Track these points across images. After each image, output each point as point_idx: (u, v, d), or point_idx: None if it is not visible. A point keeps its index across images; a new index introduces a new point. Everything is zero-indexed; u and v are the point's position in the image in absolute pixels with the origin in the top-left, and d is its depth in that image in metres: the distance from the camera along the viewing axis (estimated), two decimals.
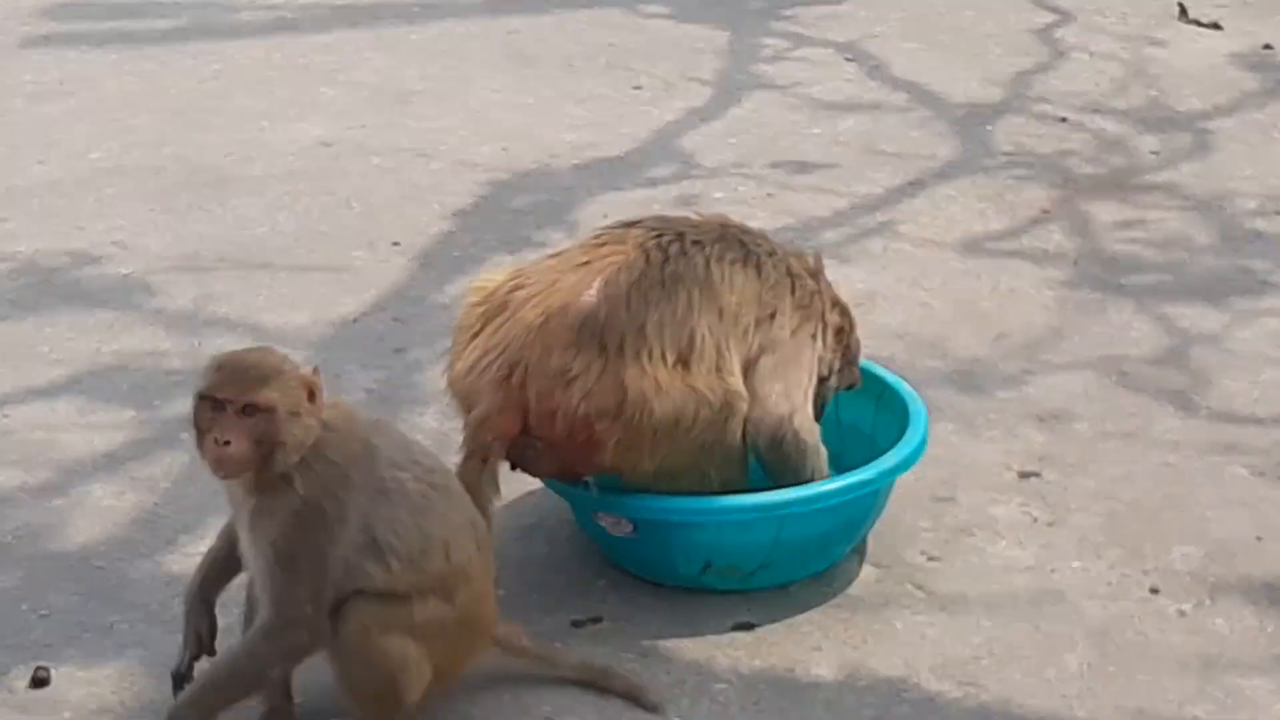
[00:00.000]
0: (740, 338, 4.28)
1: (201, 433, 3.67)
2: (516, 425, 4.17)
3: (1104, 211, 6.37)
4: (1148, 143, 6.98)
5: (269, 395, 3.63)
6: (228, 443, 3.62)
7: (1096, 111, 7.27)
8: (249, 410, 3.62)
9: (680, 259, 4.26)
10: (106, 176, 6.84)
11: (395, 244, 6.25)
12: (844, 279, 5.79)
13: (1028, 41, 8.06)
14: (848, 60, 7.90)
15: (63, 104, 7.59)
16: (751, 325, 4.30)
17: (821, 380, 4.48)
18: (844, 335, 4.53)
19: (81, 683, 4.09)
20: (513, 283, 4.28)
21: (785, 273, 4.39)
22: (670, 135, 7.15)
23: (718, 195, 6.54)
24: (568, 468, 4.26)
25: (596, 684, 4.05)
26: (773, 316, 4.34)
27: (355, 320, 5.75)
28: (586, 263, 4.24)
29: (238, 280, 5.98)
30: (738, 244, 4.35)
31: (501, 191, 6.67)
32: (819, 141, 7.07)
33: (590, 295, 4.17)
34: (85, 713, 4.00)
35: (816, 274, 4.49)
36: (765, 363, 4.31)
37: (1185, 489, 4.76)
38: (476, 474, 4.15)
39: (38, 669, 4.09)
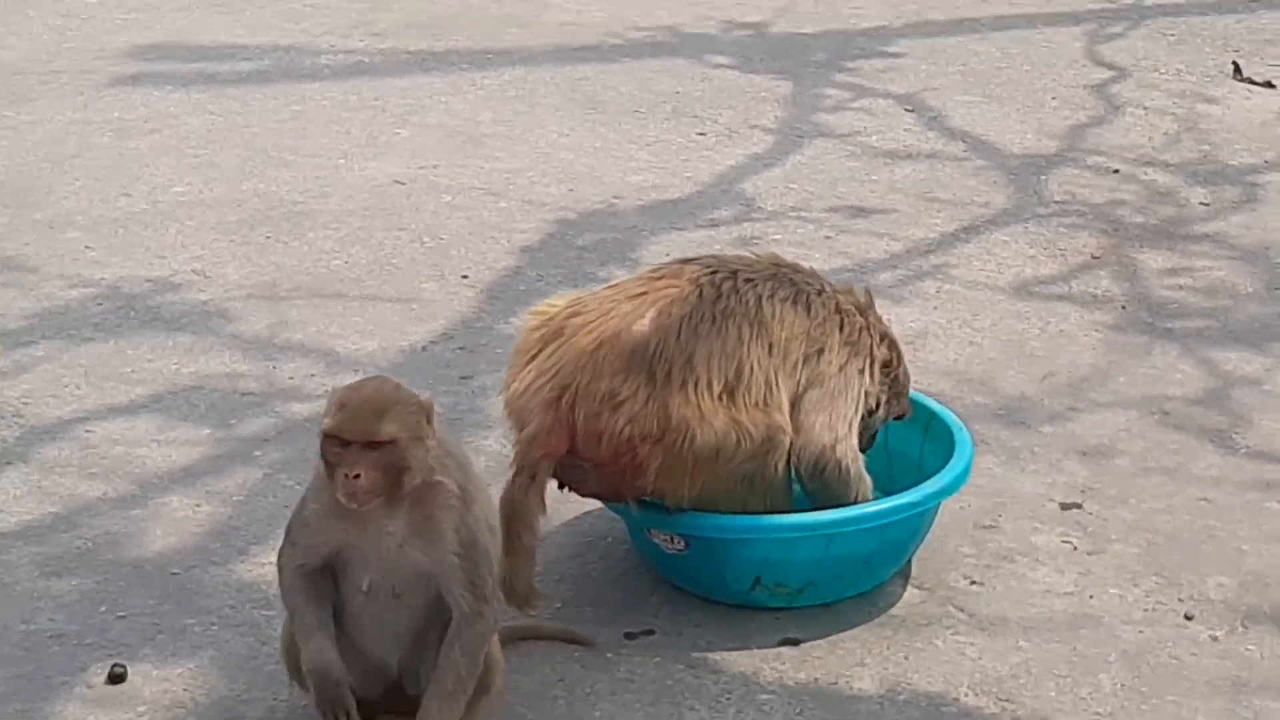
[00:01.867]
0: (789, 372, 4.45)
1: (331, 467, 3.79)
2: (564, 445, 4.35)
3: (1152, 259, 6.54)
4: (1197, 194, 7.14)
5: (390, 429, 3.75)
6: (357, 476, 3.75)
7: (1149, 164, 7.43)
8: (373, 445, 3.76)
9: (732, 295, 4.44)
10: (188, 209, 7.09)
11: (464, 277, 6.47)
12: (897, 318, 6.00)
13: (1083, 96, 8.24)
14: (907, 111, 8.10)
15: (148, 140, 7.86)
16: (800, 360, 4.48)
17: (870, 412, 4.65)
18: (891, 368, 4.70)
19: (156, 680, 4.29)
20: (570, 309, 4.47)
21: (834, 310, 4.57)
22: (732, 179, 7.35)
23: (776, 236, 6.73)
24: (612, 489, 4.44)
25: (533, 637, 4.32)
26: (820, 352, 4.51)
27: (424, 348, 5.96)
28: (642, 294, 4.43)
29: (311, 309, 6.21)
30: (789, 282, 4.53)
31: (567, 229, 6.89)
32: (876, 187, 7.27)
33: (643, 324, 4.36)
34: (159, 708, 4.20)
35: (865, 310, 4.66)
36: (811, 396, 4.48)
37: (1222, 523, 4.91)
38: (524, 490, 4.34)
39: (115, 665, 4.30)
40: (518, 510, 4.34)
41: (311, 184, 7.33)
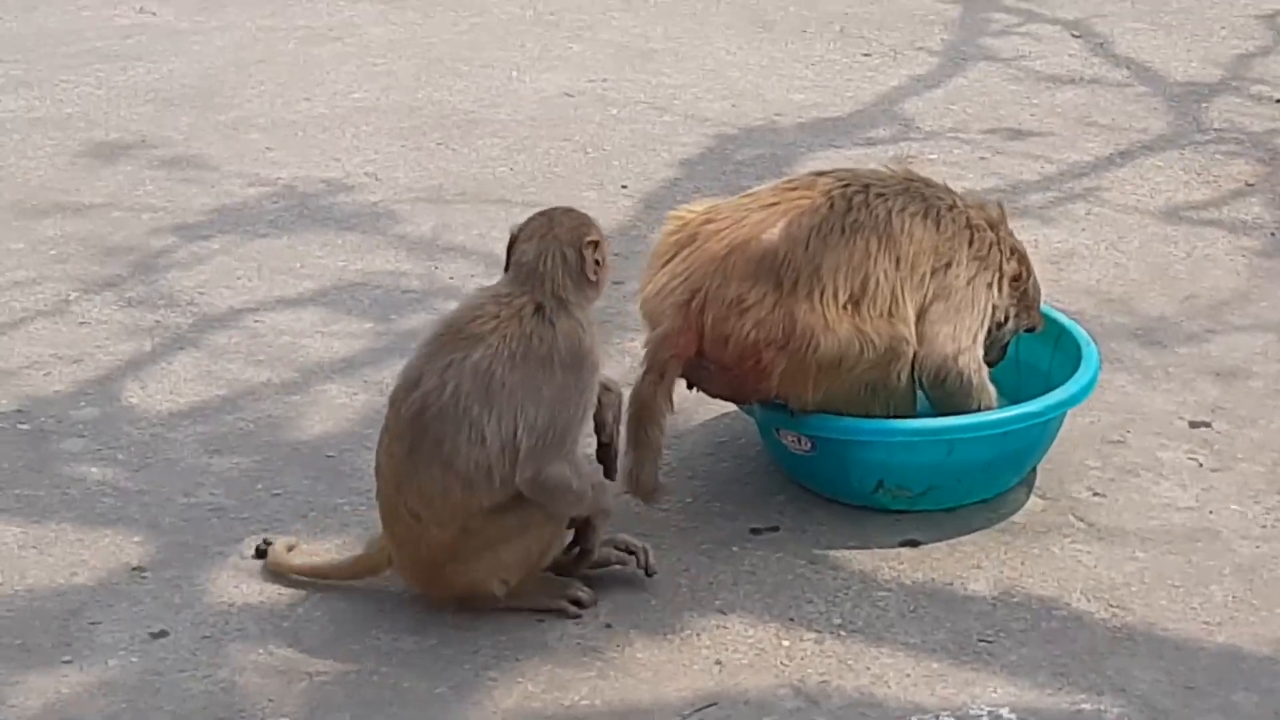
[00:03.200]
0: (915, 285, 4.56)
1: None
2: (692, 347, 4.50)
3: None
4: None
5: None
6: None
7: None
8: None
9: (863, 208, 4.55)
10: (365, 115, 7.35)
11: (623, 187, 6.66)
12: (1044, 239, 6.11)
13: (1253, 26, 8.21)
14: (1074, 36, 8.13)
15: (331, 48, 8.15)
16: (927, 274, 4.58)
17: (998, 325, 4.75)
18: (1020, 282, 4.79)
19: (303, 555, 4.54)
20: (705, 216, 4.62)
21: (964, 225, 4.66)
22: (893, 99, 7.46)
23: (932, 156, 6.84)
24: (737, 391, 4.60)
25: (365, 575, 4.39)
26: (948, 266, 4.61)
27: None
28: (774, 204, 4.57)
29: (475, 213, 6.43)
30: (919, 197, 4.63)
31: (727, 144, 7.04)
32: (1036, 111, 7.33)
33: (773, 233, 4.50)
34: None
35: (996, 225, 4.75)
36: (937, 308, 4.59)
37: None
38: (653, 388, 4.51)
39: (262, 541, 4.55)
40: (646, 407, 4.51)
41: (484, 94, 7.55)
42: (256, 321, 5.72)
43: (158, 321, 5.73)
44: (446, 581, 4.24)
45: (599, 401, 4.32)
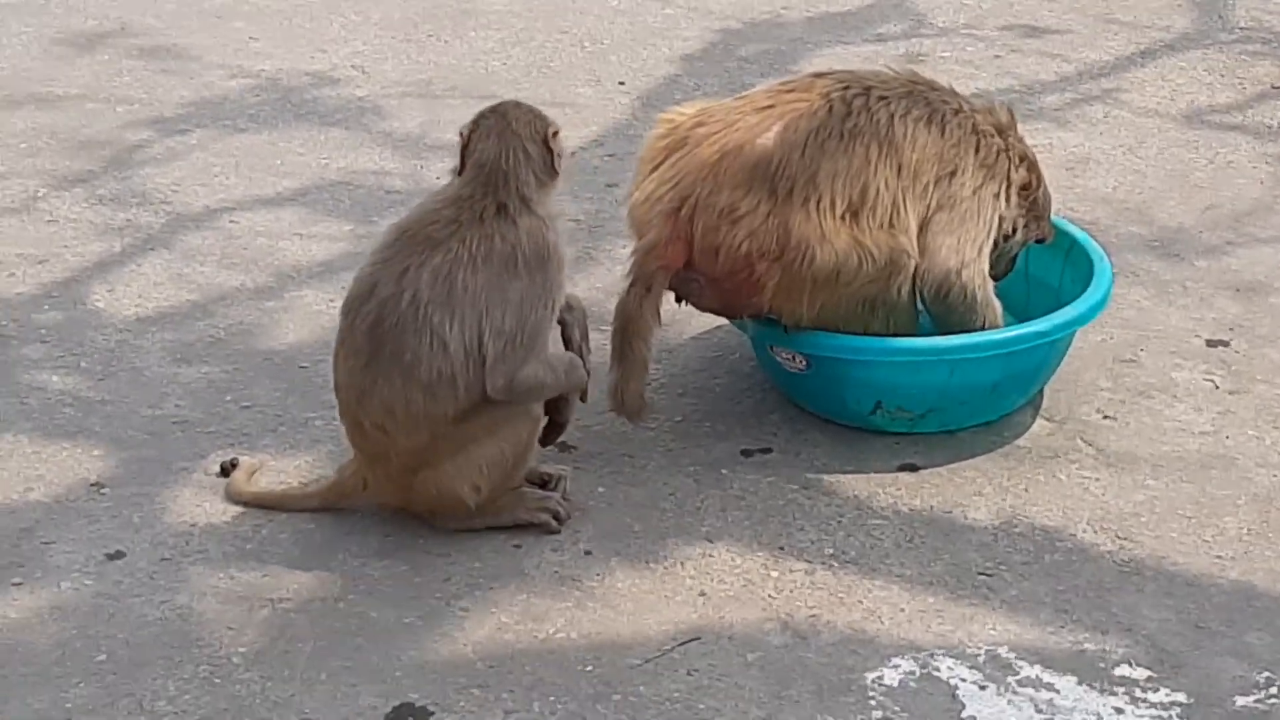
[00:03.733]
0: (918, 195, 4.32)
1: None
2: (681, 258, 4.28)
3: None
4: None
5: None
6: None
7: None
8: None
9: (863, 113, 4.30)
10: (353, 4, 7.09)
11: (621, 83, 6.40)
12: (1059, 143, 5.86)
13: None
14: None
15: None
16: (931, 182, 4.34)
17: (1006, 237, 4.52)
18: (1030, 191, 4.55)
19: (271, 471, 4.33)
20: (696, 119, 4.37)
21: (970, 130, 4.41)
22: None
23: (944, 54, 6.56)
24: (729, 305, 4.37)
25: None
26: (953, 174, 4.37)
27: (572, 153, 5.83)
28: (770, 106, 4.32)
29: (465, 108, 6.07)
30: (923, 101, 4.38)
31: (731, 39, 6.76)
32: (1054, 7, 7.04)
33: (768, 138, 4.25)
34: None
35: (1005, 130, 4.50)
36: (940, 218, 4.35)
37: None
38: (639, 302, 4.28)
39: (228, 460, 4.34)
40: (631, 321, 4.28)
41: None
42: (232, 222, 5.48)
43: (129, 221, 5.49)
44: (420, 491, 4.06)
45: (563, 321, 4.12)
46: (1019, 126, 4.56)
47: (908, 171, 4.29)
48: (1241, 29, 6.78)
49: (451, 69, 6.50)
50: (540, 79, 6.42)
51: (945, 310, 4.35)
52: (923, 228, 4.33)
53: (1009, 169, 4.46)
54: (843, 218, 4.23)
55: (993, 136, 4.44)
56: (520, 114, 4.08)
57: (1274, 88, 6.29)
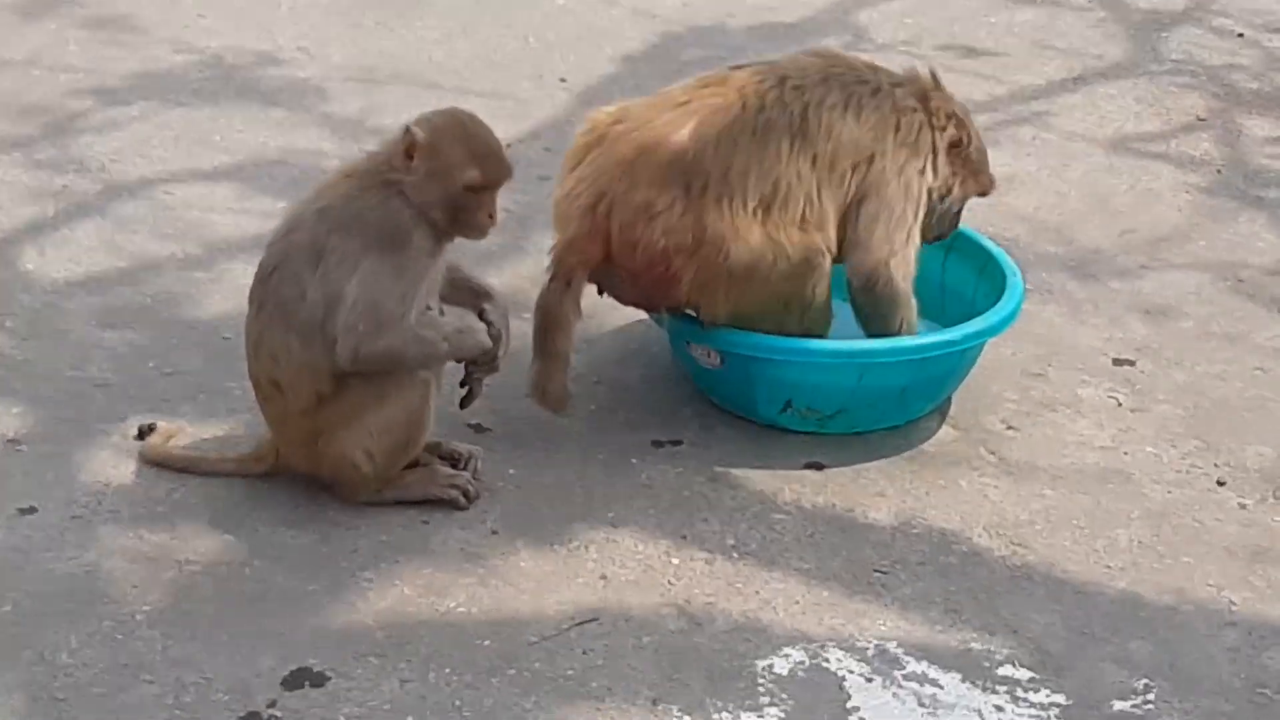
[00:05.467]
0: (835, 185, 4.38)
1: (469, 212, 4.04)
2: (599, 253, 4.36)
3: (1258, 126, 6.37)
4: None
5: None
6: (492, 215, 4.07)
7: (1275, 31, 7.19)
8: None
9: (777, 105, 4.37)
10: None
11: (562, 80, 6.47)
12: None
13: None
14: None
15: None
16: (848, 171, 4.40)
17: (942, 198, 4.55)
18: (961, 148, 4.57)
19: (189, 437, 4.39)
20: (615, 117, 4.46)
21: (890, 109, 4.45)
22: (848, 8, 7.26)
23: None
24: (647, 298, 4.46)
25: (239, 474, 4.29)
26: (872, 159, 4.42)
27: (508, 145, 5.91)
28: (686, 102, 4.39)
29: (406, 95, 6.23)
30: (839, 86, 4.42)
31: (674, 43, 6.85)
32: (993, 30, 7.13)
33: (682, 135, 4.32)
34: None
35: (927, 98, 4.52)
36: (869, 207, 4.41)
37: (1273, 394, 4.83)
38: (559, 296, 4.37)
39: (146, 423, 4.40)
40: (551, 315, 4.37)
41: None
42: (167, 194, 5.54)
43: (65, 186, 5.54)
44: (320, 459, 4.16)
45: (482, 310, 4.21)
46: (943, 85, 4.59)
47: (823, 162, 4.36)
48: (1173, 60, 6.89)
49: (395, 57, 6.57)
50: (483, 71, 6.49)
51: (870, 301, 4.43)
52: (847, 218, 4.41)
53: (934, 139, 4.49)
54: (755, 213, 4.31)
55: (914, 112, 4.48)
56: (436, 114, 4.15)
57: (1200, 119, 6.41)
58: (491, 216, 4.08)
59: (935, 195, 4.53)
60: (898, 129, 4.45)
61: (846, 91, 4.42)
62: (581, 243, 4.36)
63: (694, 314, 4.44)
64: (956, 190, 4.60)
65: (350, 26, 6.80)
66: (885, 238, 4.42)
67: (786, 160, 4.33)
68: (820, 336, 4.45)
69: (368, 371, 4.04)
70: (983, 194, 4.71)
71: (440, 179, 4.02)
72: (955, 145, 4.56)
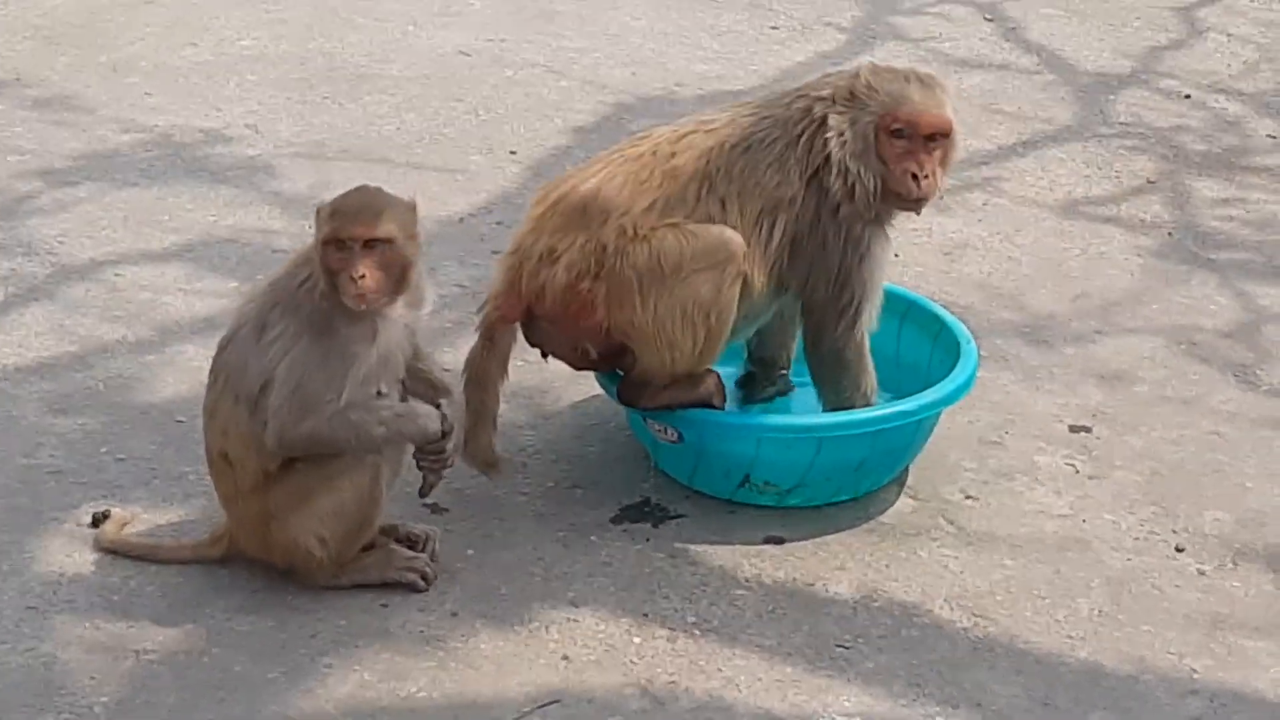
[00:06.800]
0: (750, 222, 4.38)
1: (334, 273, 3.96)
2: (517, 307, 4.44)
3: (1208, 188, 6.40)
4: (1266, 126, 6.96)
5: (386, 227, 3.96)
6: (363, 276, 3.92)
7: (1222, 91, 7.26)
8: (371, 244, 3.94)
9: (687, 151, 4.40)
10: (251, 63, 7.11)
11: (512, 152, 6.47)
12: (938, 228, 5.98)
13: (1167, 18, 8.04)
14: (986, 20, 7.95)
15: None
16: (765, 212, 4.40)
17: (886, 179, 4.39)
18: (851, 106, 4.40)
19: (143, 524, 4.36)
20: (546, 186, 4.55)
21: (790, 144, 4.39)
22: (796, 75, 7.25)
23: None
24: (572, 340, 4.46)
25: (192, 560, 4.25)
26: (783, 205, 4.39)
27: (460, 219, 5.97)
28: (602, 160, 4.48)
29: (357, 171, 6.20)
30: (741, 130, 4.41)
31: (624, 113, 6.85)
32: None
33: (590, 184, 4.40)
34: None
35: (827, 109, 4.39)
36: (802, 252, 4.41)
37: (1230, 458, 4.84)
38: (484, 353, 4.46)
39: (100, 510, 4.36)
40: (476, 373, 4.44)
41: (376, 48, 7.33)
42: (117, 275, 5.50)
43: (13, 270, 5.50)
44: (272, 546, 4.13)
45: (441, 411, 4.16)
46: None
47: (732, 205, 4.38)
48: (1121, 124, 6.93)
49: (345, 132, 6.56)
50: (432, 145, 6.48)
51: (836, 365, 4.49)
52: (774, 268, 4.40)
53: (829, 146, 4.38)
54: (660, 217, 4.34)
55: (812, 134, 4.39)
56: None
57: (1149, 182, 6.44)
58: (354, 279, 3.92)
59: (849, 179, 4.38)
60: (808, 165, 4.39)
61: (747, 139, 4.42)
62: (499, 299, 4.46)
63: (621, 344, 4.40)
64: (894, 163, 4.38)
65: (299, 103, 6.78)
66: (839, 297, 4.43)
67: (693, 203, 4.36)
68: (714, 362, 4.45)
69: (299, 454, 4.03)
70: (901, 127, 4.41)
71: (318, 243, 4.02)
72: (850, 98, 4.39)
